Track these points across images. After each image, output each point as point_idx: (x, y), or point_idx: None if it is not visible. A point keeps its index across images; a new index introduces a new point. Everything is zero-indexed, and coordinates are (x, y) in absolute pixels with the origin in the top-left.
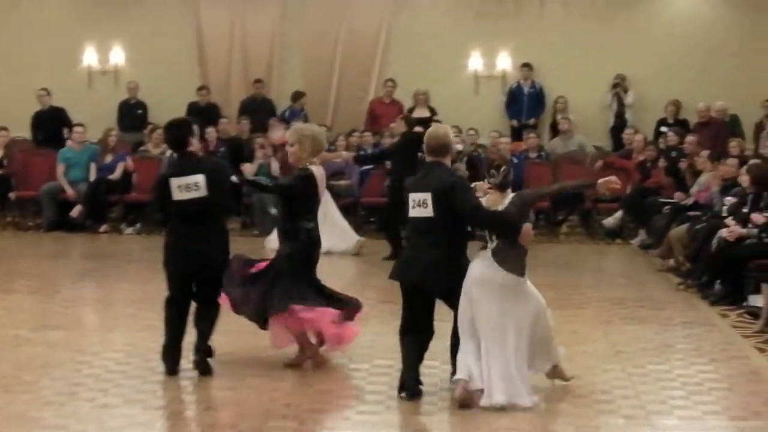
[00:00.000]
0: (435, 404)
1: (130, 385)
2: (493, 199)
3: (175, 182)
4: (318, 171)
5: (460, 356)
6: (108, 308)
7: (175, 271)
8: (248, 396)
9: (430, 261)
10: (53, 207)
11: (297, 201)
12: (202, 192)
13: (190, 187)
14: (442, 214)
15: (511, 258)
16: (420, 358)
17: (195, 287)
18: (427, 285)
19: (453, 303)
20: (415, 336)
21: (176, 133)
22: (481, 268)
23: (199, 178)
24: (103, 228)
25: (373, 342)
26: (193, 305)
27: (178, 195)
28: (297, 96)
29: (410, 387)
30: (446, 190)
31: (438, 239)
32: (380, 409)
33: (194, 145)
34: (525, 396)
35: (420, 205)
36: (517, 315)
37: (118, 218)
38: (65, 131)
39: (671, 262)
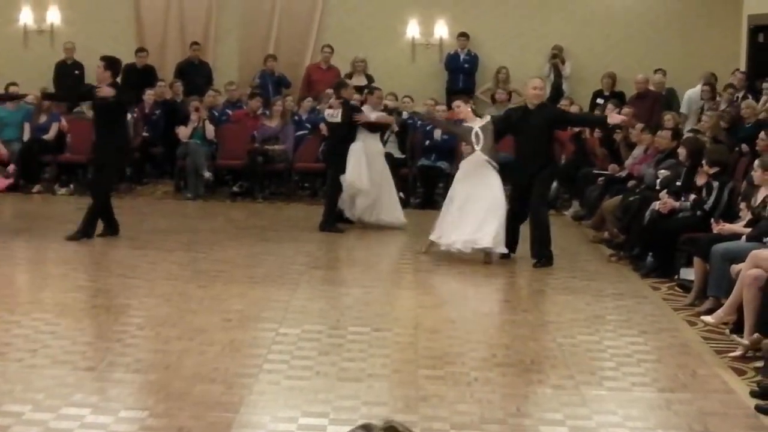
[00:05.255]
0: (363, 370)
1: (58, 346)
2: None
3: None
4: None
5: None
6: (39, 268)
7: None
8: (177, 359)
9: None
10: None
11: None
12: None
13: None
14: None
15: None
16: None
17: None
18: None
19: None
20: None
21: None
22: None
23: None
24: (36, 188)
25: (303, 307)
26: None
27: None
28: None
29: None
30: None
31: None
32: (309, 375)
33: None
34: None
35: None
36: None
37: (52, 179)
38: None
39: (606, 234)
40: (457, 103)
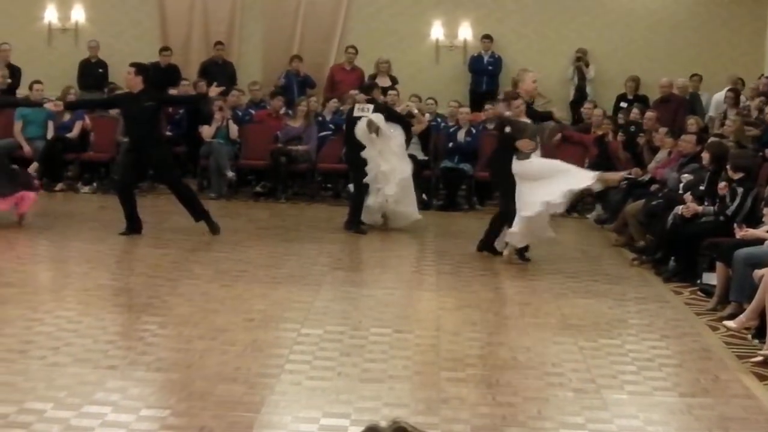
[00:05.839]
0: (385, 372)
1: (80, 344)
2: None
3: None
4: None
5: None
6: (61, 266)
7: None
8: (198, 358)
9: None
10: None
11: None
12: None
13: None
14: None
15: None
16: None
17: None
18: None
19: None
20: None
21: None
22: None
23: None
24: (59, 186)
25: (325, 308)
26: None
27: None
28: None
29: None
30: None
31: None
32: (331, 376)
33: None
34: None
35: None
36: None
37: (75, 177)
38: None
39: (642, 243)
40: (518, 102)
